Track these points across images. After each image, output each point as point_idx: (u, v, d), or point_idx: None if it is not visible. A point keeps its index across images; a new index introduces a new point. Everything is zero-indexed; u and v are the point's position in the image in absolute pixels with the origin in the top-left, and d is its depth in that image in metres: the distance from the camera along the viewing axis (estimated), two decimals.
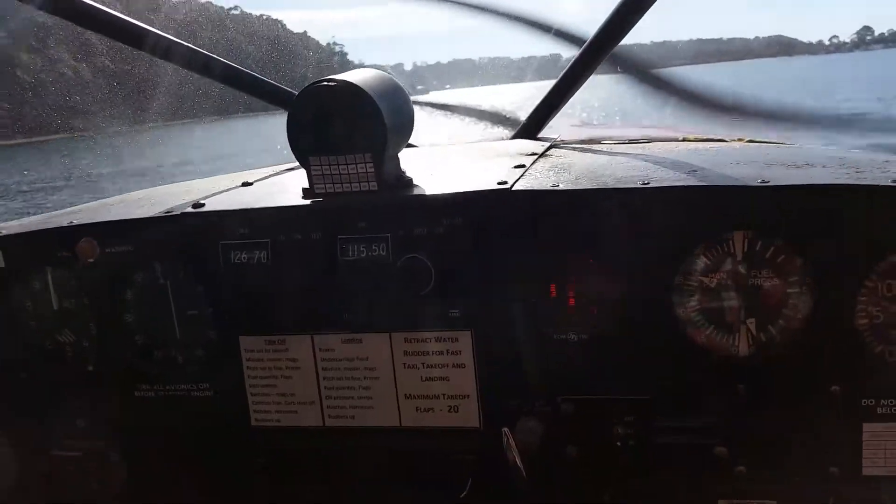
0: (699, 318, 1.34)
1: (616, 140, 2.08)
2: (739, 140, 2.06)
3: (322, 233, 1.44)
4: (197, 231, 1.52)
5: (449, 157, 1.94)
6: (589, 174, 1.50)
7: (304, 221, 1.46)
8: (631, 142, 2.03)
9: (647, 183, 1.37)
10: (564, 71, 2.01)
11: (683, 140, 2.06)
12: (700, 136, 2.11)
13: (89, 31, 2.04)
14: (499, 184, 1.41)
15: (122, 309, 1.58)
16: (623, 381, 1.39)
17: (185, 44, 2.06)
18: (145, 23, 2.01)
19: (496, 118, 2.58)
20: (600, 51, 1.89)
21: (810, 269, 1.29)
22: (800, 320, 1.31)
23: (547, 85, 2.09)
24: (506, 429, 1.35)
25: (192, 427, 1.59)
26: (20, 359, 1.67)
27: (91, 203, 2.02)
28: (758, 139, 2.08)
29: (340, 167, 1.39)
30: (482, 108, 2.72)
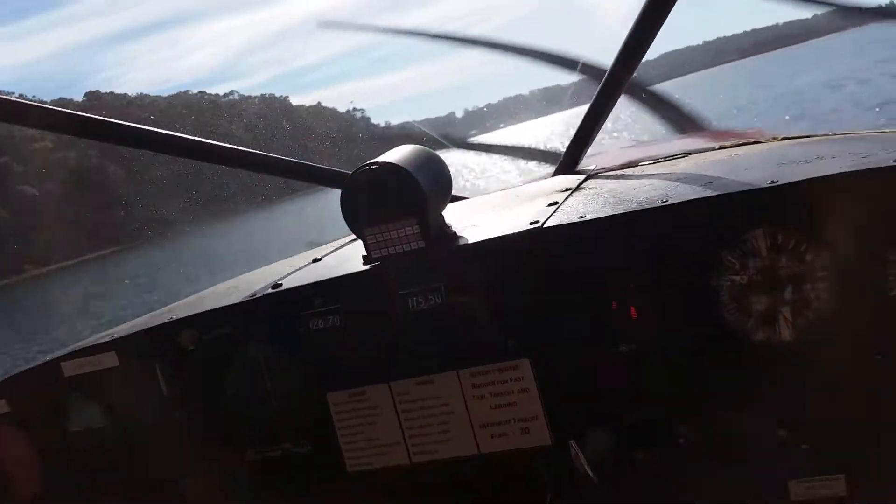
0: (738, 315, 1.44)
1: (652, 159, 2.20)
2: (773, 139, 2.15)
3: (384, 291, 1.64)
4: (279, 308, 1.74)
5: (490, 206, 2.12)
6: (615, 201, 1.63)
7: (366, 284, 1.66)
8: (667, 159, 2.15)
9: (666, 201, 1.49)
10: (591, 102, 2.17)
11: (720, 148, 2.17)
12: (736, 142, 2.21)
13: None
14: (531, 224, 1.58)
15: (224, 386, 1.80)
16: (680, 384, 1.49)
17: (229, 146, 2.37)
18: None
19: (537, 154, 2.73)
20: (623, 75, 2.05)
21: (835, 253, 1.37)
22: (832, 301, 1.38)
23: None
24: (572, 441, 1.47)
25: (297, 480, 1.78)
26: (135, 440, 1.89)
27: (186, 299, 2.29)
28: (792, 136, 2.15)
29: (391, 233, 1.60)
30: (524, 146, 2.88)
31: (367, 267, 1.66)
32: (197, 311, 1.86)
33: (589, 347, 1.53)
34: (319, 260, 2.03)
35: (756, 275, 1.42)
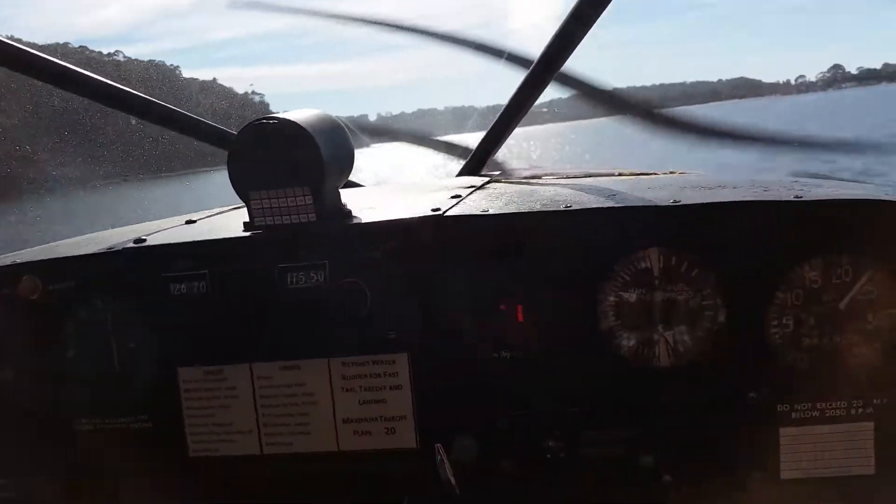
0: (621, 332, 1.42)
1: (556, 175, 2.18)
2: (672, 173, 2.18)
3: (261, 263, 1.49)
4: (138, 266, 1.56)
5: (390, 193, 2.02)
6: (519, 201, 1.58)
7: (243, 253, 1.51)
8: (570, 176, 2.14)
9: (570, 206, 1.45)
10: (503, 108, 2.11)
11: (619, 175, 2.17)
12: (635, 171, 2.22)
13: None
14: (433, 210, 1.49)
15: (65, 345, 1.59)
16: (554, 395, 1.44)
17: (122, 87, 2.12)
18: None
19: (452, 151, 2.66)
20: (544, 74, 1.99)
21: (723, 282, 1.37)
22: (715, 331, 1.38)
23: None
24: (438, 445, 1.39)
25: (128, 458, 1.58)
26: None
27: (41, 246, 2.04)
28: (690, 171, 2.21)
29: (280, 200, 1.45)
30: (438, 140, 2.80)
31: (247, 234, 1.50)
32: (43, 258, 1.64)
33: (472, 348, 1.46)
34: (194, 222, 1.85)
35: (644, 293, 1.40)
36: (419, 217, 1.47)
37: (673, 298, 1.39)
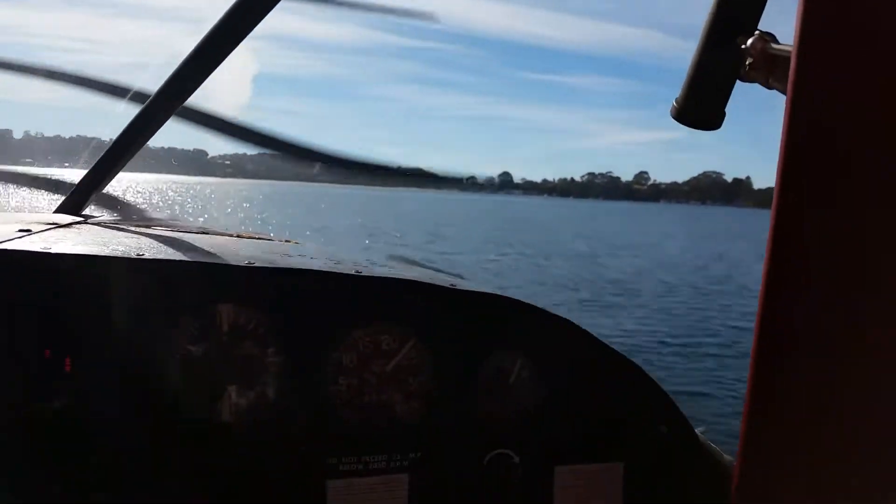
0: (186, 386, 1.40)
1: (169, 227, 2.04)
2: (287, 241, 2.11)
3: None
4: None
5: None
6: (94, 243, 1.49)
7: None
8: (180, 230, 1.99)
9: (142, 254, 1.42)
10: (108, 147, 1.97)
11: (236, 235, 2.08)
12: (254, 234, 2.17)
13: None
14: None
15: None
16: (102, 453, 1.36)
17: None
18: None
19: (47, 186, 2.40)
20: (159, 113, 1.86)
21: (285, 342, 1.45)
22: (276, 388, 1.45)
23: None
24: None
25: None
26: None
27: None
28: (304, 243, 2.12)
29: None
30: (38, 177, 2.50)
31: None
32: None
33: (15, 399, 1.31)
34: None
35: (211, 348, 1.42)
36: None
37: (240, 355, 1.44)
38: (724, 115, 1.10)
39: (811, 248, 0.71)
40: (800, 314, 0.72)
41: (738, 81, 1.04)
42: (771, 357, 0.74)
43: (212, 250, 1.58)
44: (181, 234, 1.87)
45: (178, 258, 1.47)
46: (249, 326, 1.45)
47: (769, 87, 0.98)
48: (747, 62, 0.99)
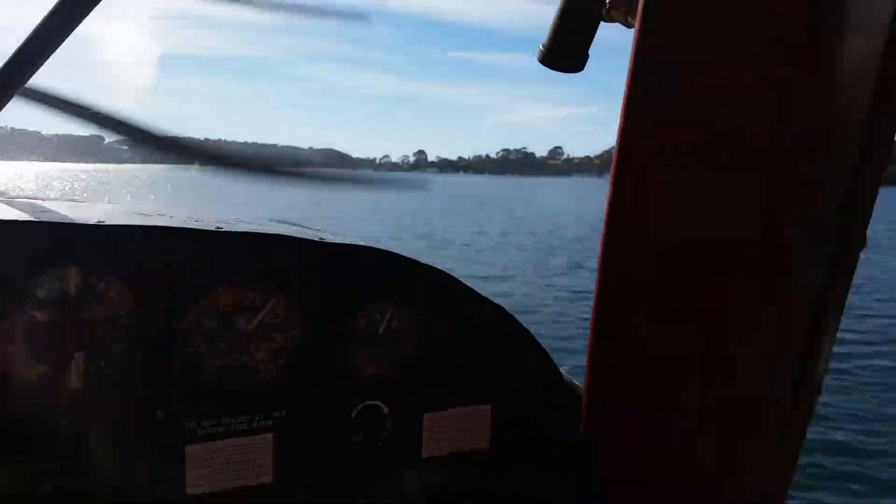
0: (27, 355, 1.31)
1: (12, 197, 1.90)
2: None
3: None
4: None
5: None
6: None
7: None
8: (22, 198, 1.87)
9: None
10: None
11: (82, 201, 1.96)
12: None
13: None
14: None
15: None
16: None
17: None
18: None
19: None
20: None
21: (136, 304, 1.37)
22: (128, 353, 1.37)
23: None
24: None
25: None
26: None
27: None
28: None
29: None
30: None
31: None
32: None
33: None
34: None
35: (57, 313, 1.33)
36: None
37: (89, 318, 1.37)
38: (587, 56, 1.12)
39: (650, 202, 0.72)
40: (635, 271, 0.74)
41: (601, 24, 1.06)
42: (609, 307, 0.77)
43: (58, 212, 1.47)
44: (29, 200, 1.74)
45: (23, 219, 1.36)
46: (99, 289, 1.36)
47: (628, 27, 0.98)
48: (607, 1, 1.01)
